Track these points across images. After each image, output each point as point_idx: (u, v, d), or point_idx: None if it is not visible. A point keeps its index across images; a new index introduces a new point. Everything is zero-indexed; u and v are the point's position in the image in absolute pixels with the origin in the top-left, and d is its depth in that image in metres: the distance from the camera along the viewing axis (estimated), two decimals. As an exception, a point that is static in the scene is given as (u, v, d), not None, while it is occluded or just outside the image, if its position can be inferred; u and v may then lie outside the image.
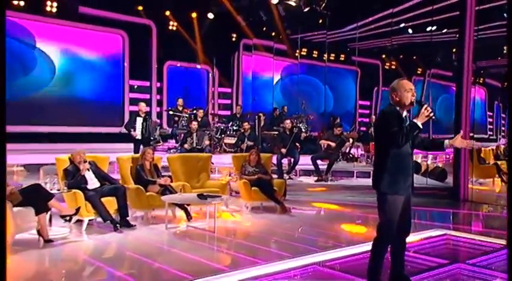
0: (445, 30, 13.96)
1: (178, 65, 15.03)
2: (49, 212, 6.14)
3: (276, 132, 11.70)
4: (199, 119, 11.98)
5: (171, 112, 12.65)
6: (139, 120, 10.35)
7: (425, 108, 3.95)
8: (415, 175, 5.12)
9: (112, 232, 6.57)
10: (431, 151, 8.50)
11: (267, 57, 16.26)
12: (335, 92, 17.51)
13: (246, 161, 8.65)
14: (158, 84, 14.86)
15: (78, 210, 6.43)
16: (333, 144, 10.98)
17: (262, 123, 12.31)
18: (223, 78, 15.93)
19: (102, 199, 6.82)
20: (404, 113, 4.20)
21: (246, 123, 11.48)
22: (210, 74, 15.85)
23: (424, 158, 13.62)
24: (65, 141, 11.79)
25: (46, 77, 12.96)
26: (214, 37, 14.85)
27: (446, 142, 4.23)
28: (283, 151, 10.67)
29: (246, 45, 15.97)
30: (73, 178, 6.83)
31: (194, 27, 14.64)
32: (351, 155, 12.48)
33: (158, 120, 10.92)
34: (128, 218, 6.95)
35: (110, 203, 6.87)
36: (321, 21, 14.33)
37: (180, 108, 12.49)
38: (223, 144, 11.82)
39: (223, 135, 12.05)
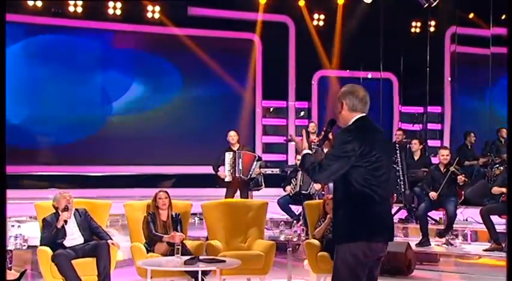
0: None
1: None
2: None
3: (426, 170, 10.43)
4: (325, 150, 11.28)
5: (293, 142, 12.23)
6: (228, 156, 10.32)
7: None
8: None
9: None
10: None
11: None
12: None
13: (321, 213, 7.87)
14: (305, 104, 14.66)
15: (22, 274, 6.65)
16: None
17: (418, 156, 10.96)
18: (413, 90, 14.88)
19: (79, 261, 6.93)
20: None
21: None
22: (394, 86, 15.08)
23: None
24: (156, 185, 12.47)
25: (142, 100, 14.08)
26: (384, 30, 14.11)
27: None
28: (433, 195, 9.46)
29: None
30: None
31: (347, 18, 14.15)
32: None
33: (257, 155, 10.63)
34: (111, 288, 6.93)
35: (90, 267, 6.94)
36: None
37: (313, 136, 11.98)
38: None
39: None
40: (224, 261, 6.62)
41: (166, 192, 7.68)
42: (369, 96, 4.33)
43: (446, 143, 14.77)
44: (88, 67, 13.73)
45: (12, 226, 8.08)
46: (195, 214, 9.29)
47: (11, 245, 7.32)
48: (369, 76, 14.81)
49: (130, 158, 13.86)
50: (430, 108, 14.79)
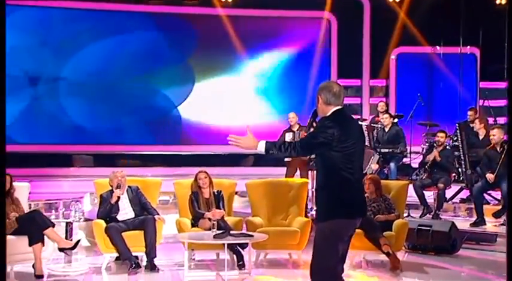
0: None
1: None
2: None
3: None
4: (386, 130, 11.73)
5: (363, 123, 12.52)
6: (288, 137, 11.00)
7: None
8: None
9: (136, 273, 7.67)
10: None
11: None
12: None
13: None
14: (383, 82, 15.02)
15: (77, 243, 7.77)
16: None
17: (482, 136, 11.02)
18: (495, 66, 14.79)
19: (129, 233, 7.95)
20: None
21: (442, 135, 10.72)
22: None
23: None
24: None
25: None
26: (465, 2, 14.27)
27: None
28: (490, 177, 9.74)
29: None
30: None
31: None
32: None
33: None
34: (155, 258, 7.88)
35: (138, 239, 7.95)
36: None
37: (382, 115, 12.32)
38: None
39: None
40: (252, 236, 7.39)
41: (206, 172, 8.53)
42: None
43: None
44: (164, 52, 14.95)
45: (72, 201, 9.29)
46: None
47: (71, 218, 8.47)
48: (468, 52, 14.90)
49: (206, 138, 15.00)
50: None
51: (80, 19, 14.50)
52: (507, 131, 4.76)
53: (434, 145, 10.89)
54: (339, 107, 4.84)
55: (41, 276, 7.44)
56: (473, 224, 9.91)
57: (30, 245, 7.44)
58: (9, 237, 7.35)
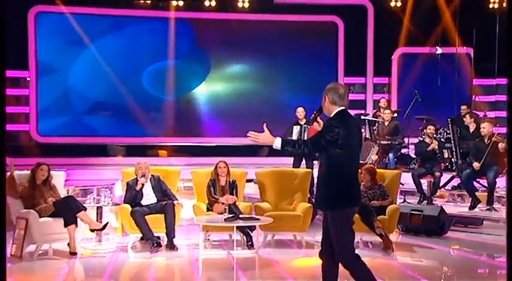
0: None
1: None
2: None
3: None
4: (385, 124, 12.37)
5: (365, 117, 13.17)
6: (296, 130, 11.66)
7: None
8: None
9: (157, 251, 8.45)
10: None
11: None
12: None
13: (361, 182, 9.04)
14: (386, 80, 15.67)
15: (106, 225, 8.57)
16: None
17: (473, 129, 11.67)
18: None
19: (151, 216, 8.75)
20: None
21: (431, 127, 11.43)
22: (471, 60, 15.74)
23: None
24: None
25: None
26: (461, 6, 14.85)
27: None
28: (476, 166, 10.41)
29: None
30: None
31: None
32: None
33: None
34: (174, 238, 8.66)
35: (159, 221, 8.74)
36: None
37: (384, 110, 12.98)
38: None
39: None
40: (258, 219, 8.08)
41: (225, 162, 9.28)
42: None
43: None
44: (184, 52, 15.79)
45: (102, 188, 10.12)
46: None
47: (101, 202, 9.27)
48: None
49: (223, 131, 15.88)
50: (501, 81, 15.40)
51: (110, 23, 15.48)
52: (507, 128, 5.21)
53: (427, 136, 11.52)
54: (343, 107, 5.27)
55: (75, 253, 8.23)
56: (471, 208, 10.58)
57: (65, 226, 8.24)
58: (47, 219, 8.28)
